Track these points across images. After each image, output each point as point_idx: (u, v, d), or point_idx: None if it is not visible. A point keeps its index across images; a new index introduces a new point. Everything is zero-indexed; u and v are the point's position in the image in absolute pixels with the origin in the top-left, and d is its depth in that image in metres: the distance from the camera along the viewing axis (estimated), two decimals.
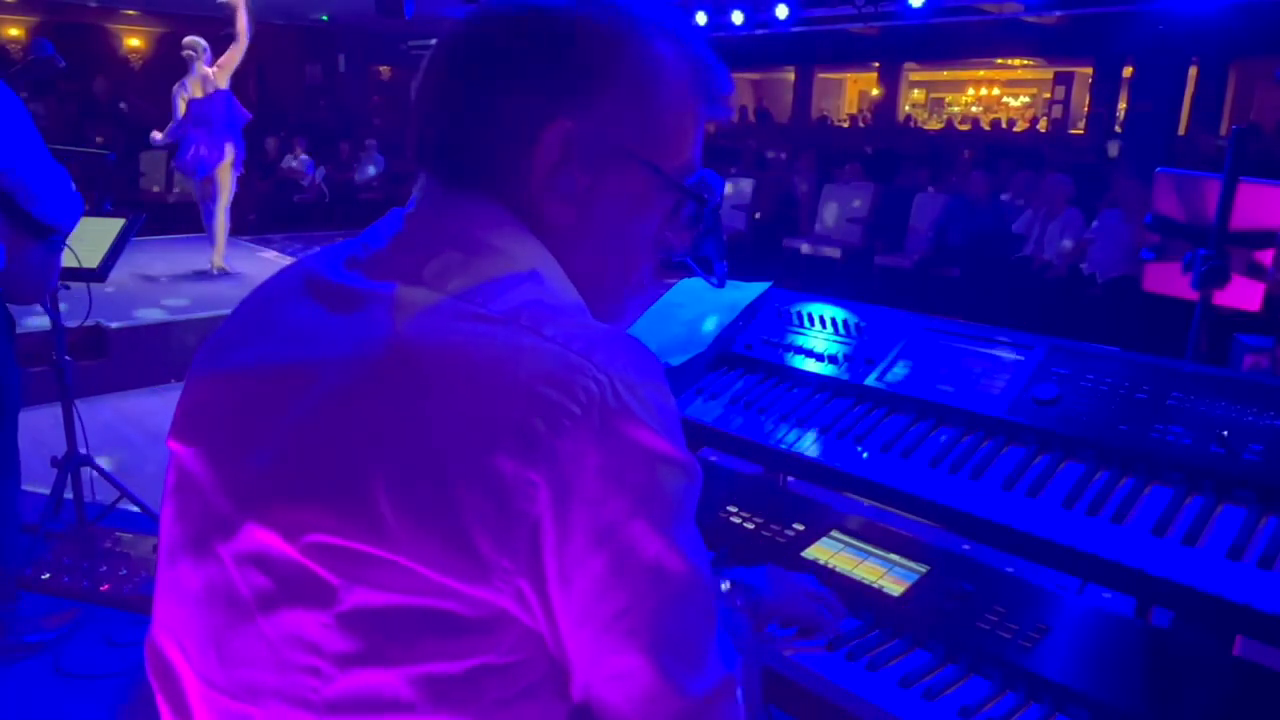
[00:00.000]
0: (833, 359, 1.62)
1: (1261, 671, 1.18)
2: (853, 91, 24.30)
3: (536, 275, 0.74)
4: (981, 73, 23.16)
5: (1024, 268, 7.16)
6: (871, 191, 8.68)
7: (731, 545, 1.52)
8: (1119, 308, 6.23)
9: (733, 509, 1.63)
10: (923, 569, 1.43)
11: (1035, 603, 1.33)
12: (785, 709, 1.23)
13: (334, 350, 0.69)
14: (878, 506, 1.39)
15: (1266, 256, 2.84)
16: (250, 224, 10.48)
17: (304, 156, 11.74)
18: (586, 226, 0.77)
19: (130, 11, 15.59)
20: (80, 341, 5.13)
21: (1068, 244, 6.96)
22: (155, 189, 11.12)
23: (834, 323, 1.69)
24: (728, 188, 9.12)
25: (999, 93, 24.06)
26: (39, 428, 4.18)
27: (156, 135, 7.16)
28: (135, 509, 3.41)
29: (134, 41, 16.39)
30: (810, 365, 1.63)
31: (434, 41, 0.81)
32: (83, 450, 3.30)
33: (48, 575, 3.05)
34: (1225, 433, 1.22)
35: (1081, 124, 16.73)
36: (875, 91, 19.95)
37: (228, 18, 7.17)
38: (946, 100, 25.00)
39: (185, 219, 7.42)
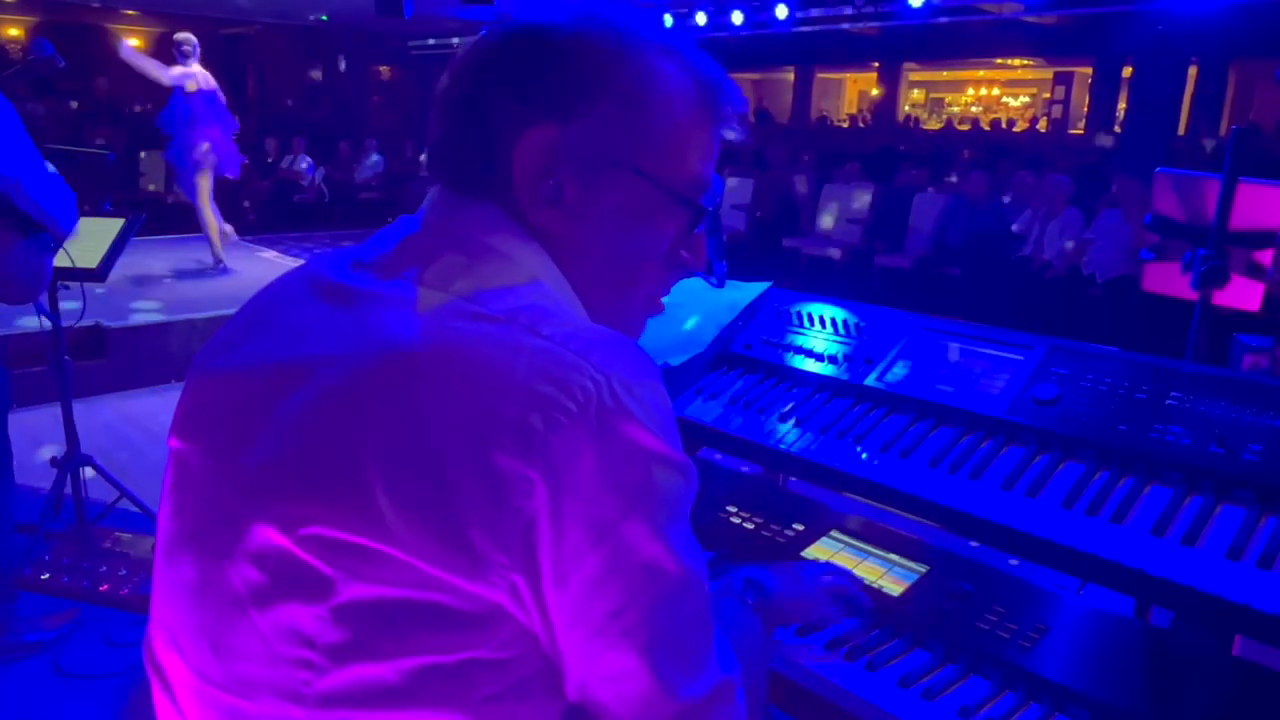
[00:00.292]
0: (832, 359, 1.62)
1: (1261, 671, 1.18)
2: (852, 91, 24.32)
3: (539, 282, 0.75)
4: (981, 73, 23.18)
5: (1024, 268, 7.16)
6: (871, 191, 8.69)
7: (731, 545, 1.52)
8: (1119, 308, 6.23)
9: (732, 509, 1.63)
10: (922, 569, 1.43)
11: (1035, 603, 1.33)
12: (785, 708, 1.23)
13: (335, 347, 0.70)
14: (877, 506, 1.39)
15: (1266, 256, 2.84)
16: (250, 224, 10.50)
17: (304, 157, 11.75)
18: (584, 236, 0.78)
19: (130, 11, 15.60)
20: (80, 341, 5.14)
21: (1069, 244, 6.96)
22: (155, 189, 11.12)
23: (834, 323, 1.69)
24: (728, 187, 9.12)
25: (999, 93, 24.08)
26: (39, 428, 4.19)
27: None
28: (135, 509, 3.41)
29: (134, 41, 16.38)
30: (810, 365, 1.63)
31: (433, 42, 0.84)
32: (83, 450, 3.30)
33: (47, 575, 3.05)
34: (1224, 433, 1.22)
35: (1081, 124, 16.74)
36: (875, 91, 19.96)
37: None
38: (946, 100, 25.02)
39: (185, 219, 7.43)
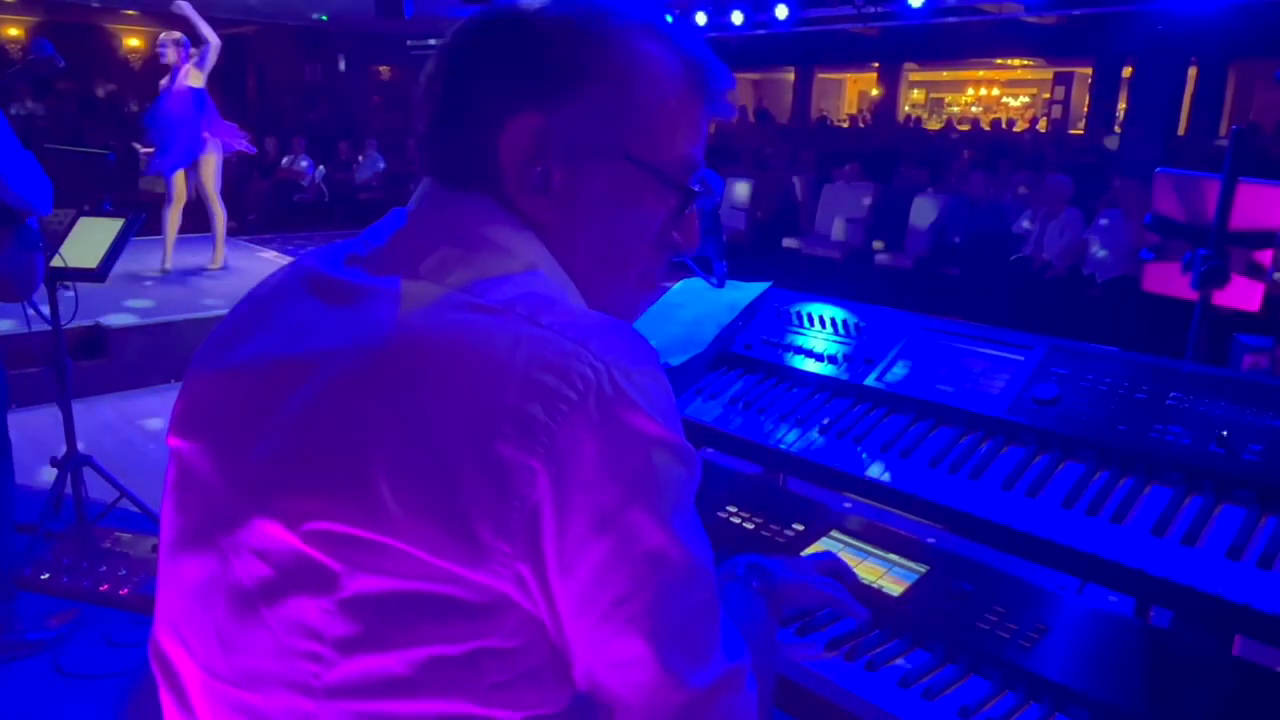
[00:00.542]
0: (832, 359, 1.62)
1: (1261, 671, 1.18)
2: (852, 92, 24.33)
3: (535, 270, 0.75)
4: (981, 73, 23.18)
5: (1024, 268, 7.16)
6: (871, 191, 8.69)
7: (731, 545, 1.52)
8: (1118, 308, 6.23)
9: (732, 509, 1.63)
10: (922, 569, 1.43)
11: (1035, 603, 1.33)
12: (784, 708, 1.23)
13: (334, 342, 0.70)
14: (877, 506, 1.39)
15: (1266, 256, 2.84)
16: (250, 224, 10.50)
17: (304, 156, 11.75)
18: (575, 222, 0.78)
19: (130, 11, 15.60)
20: (80, 341, 5.14)
21: (1095, 244, 6.94)
22: (155, 189, 11.11)
23: (834, 323, 1.69)
24: (728, 187, 9.13)
25: (999, 93, 24.08)
26: (39, 428, 4.19)
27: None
28: (135, 509, 3.41)
29: (134, 41, 16.41)
30: (810, 365, 1.63)
31: (433, 42, 0.83)
32: (83, 450, 3.30)
33: (47, 575, 3.05)
34: (1225, 433, 1.21)
35: (1081, 124, 16.75)
36: (875, 92, 19.97)
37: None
38: (946, 100, 25.02)
39: (184, 219, 7.43)
